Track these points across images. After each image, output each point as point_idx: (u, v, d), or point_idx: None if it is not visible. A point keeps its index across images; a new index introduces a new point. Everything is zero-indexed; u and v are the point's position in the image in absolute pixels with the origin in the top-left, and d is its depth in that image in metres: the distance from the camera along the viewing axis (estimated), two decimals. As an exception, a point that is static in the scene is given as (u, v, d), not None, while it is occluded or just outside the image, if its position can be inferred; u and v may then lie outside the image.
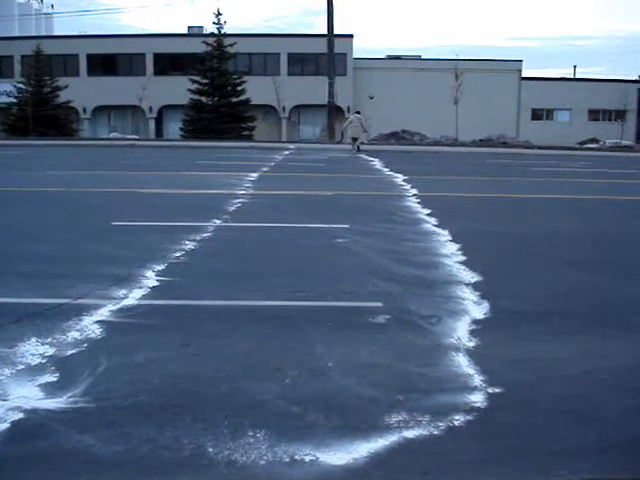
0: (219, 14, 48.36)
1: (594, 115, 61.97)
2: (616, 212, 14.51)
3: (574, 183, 20.47)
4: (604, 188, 19.00)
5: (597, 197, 16.59)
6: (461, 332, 5.77)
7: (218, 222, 11.13)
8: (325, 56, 42.58)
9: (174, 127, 52.82)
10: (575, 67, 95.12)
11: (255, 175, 19.34)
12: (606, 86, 59.66)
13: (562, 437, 3.96)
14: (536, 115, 61.81)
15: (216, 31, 48.85)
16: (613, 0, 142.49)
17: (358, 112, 35.83)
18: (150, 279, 7.32)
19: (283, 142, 45.52)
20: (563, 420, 4.17)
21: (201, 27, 58.34)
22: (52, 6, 78.00)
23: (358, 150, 33.10)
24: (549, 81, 62.43)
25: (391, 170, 22.30)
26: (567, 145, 44.15)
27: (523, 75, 61.04)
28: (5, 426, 3.91)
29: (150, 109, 56.85)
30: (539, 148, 40.29)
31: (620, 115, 57.10)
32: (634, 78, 64.82)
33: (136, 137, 47.33)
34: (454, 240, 9.87)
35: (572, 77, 69.58)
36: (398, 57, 61.64)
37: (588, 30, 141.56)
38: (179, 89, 48.80)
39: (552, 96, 59.50)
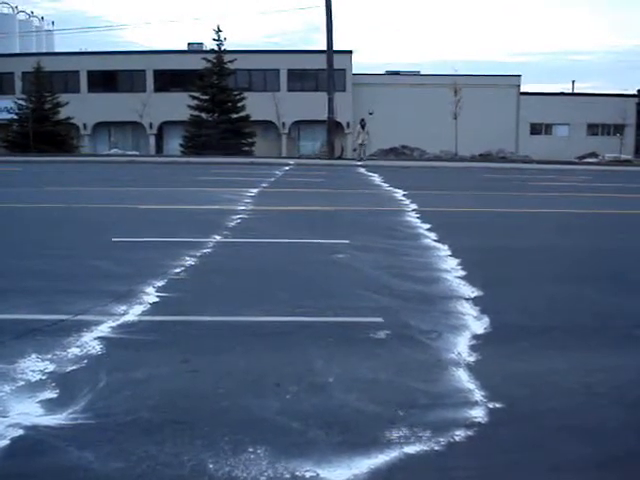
0: (219, 31, 48.58)
1: (593, 130, 62.11)
2: (616, 226, 14.52)
3: (573, 198, 20.49)
4: (604, 202, 19.03)
5: (597, 211, 16.61)
6: (461, 347, 5.77)
7: (218, 238, 11.14)
8: (325, 72, 42.68)
9: (174, 143, 52.93)
10: (574, 82, 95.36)
11: (255, 191, 19.37)
12: (605, 101, 59.82)
13: (562, 452, 3.96)
14: (535, 130, 61.90)
15: (216, 48, 49.06)
16: (612, 15, 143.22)
17: (363, 120, 38.90)
18: (150, 295, 7.33)
19: (283, 158, 45.61)
20: (563, 435, 4.17)
21: (201, 44, 58.58)
22: (53, 23, 78.27)
23: (363, 157, 37.41)
24: (548, 96, 62.57)
25: (390, 185, 22.33)
26: (566, 160, 44.22)
27: (522, 90, 61.31)
28: (5, 443, 3.90)
29: (150, 125, 57.01)
30: (538, 163, 40.35)
31: (619, 129, 57.26)
32: (633, 92, 65.02)
33: (136, 153, 47.45)
34: (454, 255, 9.88)
35: (571, 92, 69.77)
36: (397, 73, 61.90)
37: (587, 45, 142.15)
38: (179, 105, 48.93)
39: (551, 111, 59.62)
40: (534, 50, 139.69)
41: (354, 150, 44.89)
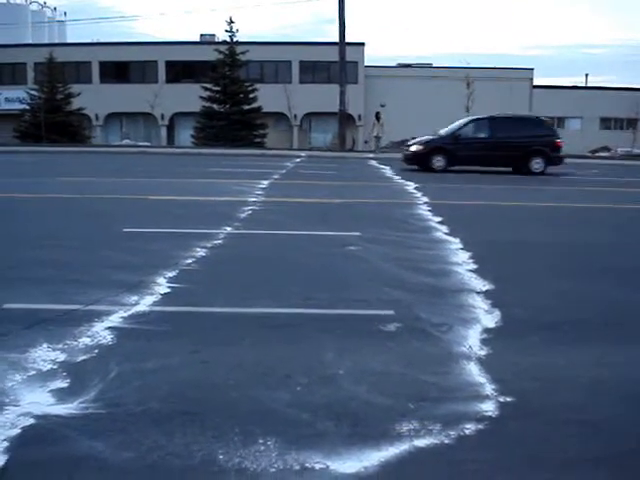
0: (231, 22, 48.59)
1: (606, 123, 61.86)
2: (629, 221, 14.45)
3: (586, 191, 20.40)
4: (616, 196, 18.93)
5: (609, 206, 16.53)
6: (472, 340, 5.75)
7: (229, 229, 11.15)
8: (336, 64, 42.61)
9: (186, 134, 53.03)
10: (587, 75, 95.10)
11: (266, 182, 19.36)
12: (618, 94, 59.56)
13: (573, 446, 3.94)
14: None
15: (228, 39, 49.04)
16: (625, 9, 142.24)
17: (378, 112, 38.96)
18: (161, 286, 7.33)
19: (294, 150, 45.58)
20: (573, 429, 4.15)
21: (213, 35, 58.65)
22: (65, 14, 78.55)
23: (376, 150, 37.87)
24: (560, 89, 62.34)
25: (402, 178, 22.30)
26: (578, 153, 44.00)
27: (534, 83, 61.08)
28: (16, 432, 3.92)
29: (162, 116, 57.11)
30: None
31: (632, 123, 56.95)
32: (646, 86, 64.68)
33: (148, 144, 47.53)
34: (465, 248, 9.85)
35: (584, 85, 69.44)
36: (409, 65, 61.77)
37: (600, 39, 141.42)
38: (191, 96, 49.01)
39: (563, 104, 59.40)
40: (547, 43, 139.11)
41: (365, 142, 45.05)
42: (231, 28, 48.68)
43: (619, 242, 11.42)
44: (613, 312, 6.95)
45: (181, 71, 57.54)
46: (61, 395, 4.43)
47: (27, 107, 49.03)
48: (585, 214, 15.10)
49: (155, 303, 6.69)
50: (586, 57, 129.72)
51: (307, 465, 3.62)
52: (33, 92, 48.70)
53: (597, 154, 47.83)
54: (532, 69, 61.58)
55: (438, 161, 25.63)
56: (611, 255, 10.25)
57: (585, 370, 5.18)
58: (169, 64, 57.70)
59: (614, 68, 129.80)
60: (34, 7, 74.14)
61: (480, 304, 6.91)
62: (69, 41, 67.54)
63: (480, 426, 4.14)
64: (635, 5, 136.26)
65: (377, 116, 38.25)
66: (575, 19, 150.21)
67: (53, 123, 45.53)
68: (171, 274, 7.86)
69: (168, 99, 54.37)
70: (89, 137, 51.82)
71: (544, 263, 9.38)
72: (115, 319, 6.10)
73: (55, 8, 78.42)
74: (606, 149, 51.08)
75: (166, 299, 6.86)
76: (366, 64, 57.53)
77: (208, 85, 48.31)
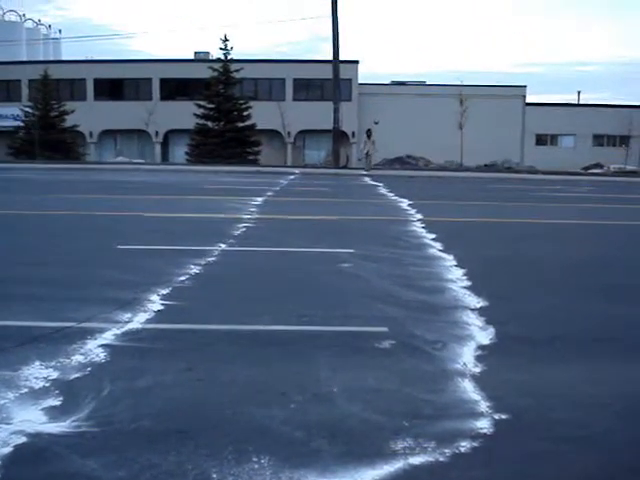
0: (226, 40, 48.74)
1: (598, 140, 62.08)
2: (622, 237, 14.48)
3: (579, 208, 20.45)
4: (609, 213, 18.99)
5: (602, 222, 16.57)
6: (467, 357, 5.74)
7: (223, 246, 11.13)
8: (330, 81, 42.79)
9: (180, 151, 53.08)
10: (579, 92, 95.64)
11: (260, 199, 19.37)
12: (610, 111, 59.82)
13: (568, 464, 3.93)
14: (540, 140, 61.93)
15: (222, 57, 49.20)
16: (618, 26, 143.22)
17: (369, 130, 38.78)
18: (155, 303, 7.31)
19: (288, 167, 45.67)
20: (569, 447, 4.14)
21: (207, 53, 58.83)
22: (60, 31, 78.70)
23: (367, 167, 37.36)
24: (553, 106, 62.58)
25: (396, 195, 22.33)
26: (571, 170, 44.19)
27: (527, 100, 61.35)
28: (8, 450, 3.89)
29: (156, 133, 57.15)
30: (544, 173, 40.37)
31: (624, 140, 57.22)
32: (638, 103, 65.05)
33: (142, 161, 47.53)
34: (459, 265, 9.85)
35: (576, 102, 69.77)
36: (403, 83, 62.00)
37: (593, 56, 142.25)
38: (185, 114, 49.08)
39: (556, 121, 59.65)
40: (540, 61, 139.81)
41: (359, 160, 45.17)
42: (225, 46, 48.86)
43: (612, 258, 11.44)
44: (606, 328, 6.95)
45: (175, 88, 57.63)
46: (54, 413, 4.40)
47: (21, 124, 49.05)
48: (576, 231, 15.13)
49: (148, 320, 6.67)
50: (579, 74, 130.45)
51: (301, 483, 3.60)
52: (27, 109, 48.77)
53: (590, 171, 47.99)
54: (525, 86, 61.82)
55: None
56: (604, 271, 10.26)
57: (580, 386, 5.17)
58: (163, 81, 57.79)
59: (606, 85, 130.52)
60: (29, 24, 74.35)
61: (474, 321, 6.90)
62: (64, 58, 67.59)
63: (475, 444, 4.12)
64: (627, 22, 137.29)
65: (368, 134, 38.05)
66: (568, 37, 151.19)
67: (47, 140, 45.54)
68: (165, 291, 7.83)
69: (162, 116, 54.46)
70: (83, 154, 51.84)
71: (538, 279, 9.38)
72: (108, 336, 6.07)
73: (50, 26, 78.67)
74: (599, 166, 51.27)
75: (160, 316, 6.84)
76: (360, 82, 57.71)
77: (202, 102, 48.43)
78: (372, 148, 37.82)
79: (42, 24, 76.75)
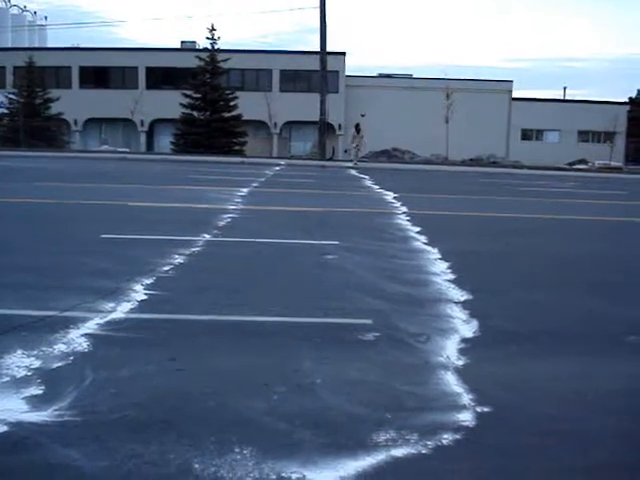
0: (213, 29, 48.59)
1: (583, 136, 62.40)
2: (605, 233, 14.56)
3: (563, 203, 20.54)
4: (593, 209, 19.09)
5: (586, 218, 16.65)
6: (450, 350, 5.76)
7: (208, 237, 11.10)
8: (317, 73, 42.71)
9: (165, 141, 52.91)
10: (565, 89, 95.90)
11: (245, 190, 19.33)
12: (596, 108, 60.07)
13: (550, 457, 3.95)
14: (526, 135, 62.17)
15: (209, 46, 49.02)
16: (605, 23, 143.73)
17: (358, 124, 38.02)
18: (138, 293, 7.28)
19: (274, 158, 45.60)
20: (551, 440, 4.16)
21: (194, 42, 58.59)
22: (45, 18, 78.06)
23: (356, 161, 36.72)
24: (539, 102, 62.85)
25: (381, 187, 22.34)
26: (556, 166, 44.37)
27: (513, 95, 61.58)
28: (-11, 439, 3.86)
29: (142, 122, 56.92)
30: (529, 168, 40.51)
31: (609, 137, 57.49)
32: (624, 100, 65.37)
33: (127, 150, 47.31)
34: (444, 258, 9.87)
35: (562, 98, 70.03)
36: (390, 75, 62.04)
37: (579, 52, 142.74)
38: (171, 103, 48.90)
39: (542, 117, 59.89)
40: (527, 56, 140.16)
41: (345, 151, 45.12)
42: (212, 35, 48.71)
43: (597, 253, 11.49)
44: (592, 323, 6.99)
45: (161, 77, 57.40)
46: (35, 402, 4.37)
47: (6, 111, 48.69)
48: (562, 225, 15.20)
49: (132, 310, 6.64)
50: (565, 70, 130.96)
51: (283, 474, 3.60)
52: (12, 96, 48.39)
53: (575, 167, 48.19)
54: (511, 81, 62.09)
55: None
56: (588, 266, 10.31)
57: (563, 381, 5.20)
58: (149, 70, 57.55)
59: (591, 82, 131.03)
60: (14, 11, 73.72)
61: (458, 314, 6.92)
62: (49, 45, 67.14)
63: (457, 436, 4.13)
64: (614, 20, 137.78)
65: (357, 128, 37.64)
66: (554, 33, 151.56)
67: (32, 128, 45.24)
68: (148, 281, 7.81)
69: (148, 105, 54.24)
70: (68, 142, 51.57)
71: (522, 273, 9.41)
72: (91, 326, 6.04)
73: (35, 12, 78.04)
74: (584, 162, 51.50)
75: (143, 306, 6.82)
76: (347, 74, 57.73)
77: (188, 92, 48.26)
78: (361, 143, 37.50)
79: (28, 11, 76.15)
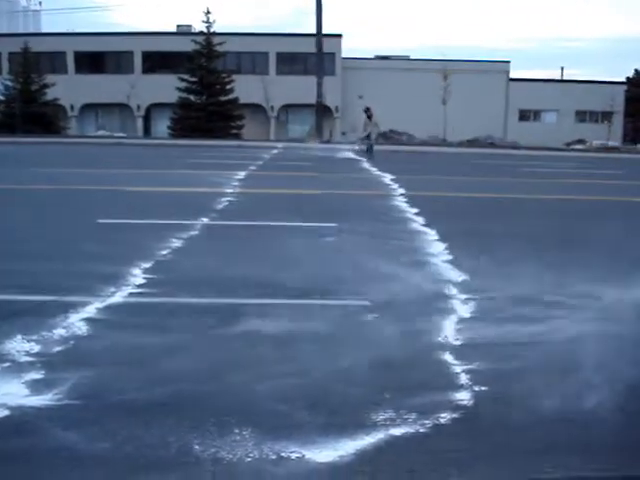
0: (208, 12, 48.47)
1: (581, 116, 62.25)
2: (605, 213, 14.56)
3: (561, 184, 20.55)
4: (591, 189, 19.07)
5: (585, 198, 16.65)
6: (448, 331, 5.78)
7: (206, 220, 11.11)
8: (314, 56, 42.62)
9: (162, 125, 52.78)
10: (563, 69, 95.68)
11: (243, 174, 19.31)
12: (593, 88, 59.91)
13: (549, 435, 3.98)
14: (524, 116, 62.03)
15: (205, 30, 48.83)
16: (601, 3, 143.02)
17: (368, 109, 30.05)
18: (137, 277, 7.30)
19: (271, 141, 45.56)
20: (550, 418, 4.18)
21: (189, 26, 58.32)
22: (40, 3, 77.50)
23: (365, 151, 29.50)
24: (537, 82, 62.62)
25: (379, 170, 22.32)
26: (554, 146, 44.33)
27: (511, 76, 61.37)
28: (-10, 423, 3.89)
29: (138, 107, 56.75)
30: (526, 149, 40.47)
31: (607, 117, 57.46)
32: (621, 80, 65.20)
33: (124, 135, 47.22)
34: (441, 239, 9.89)
35: (560, 79, 69.83)
36: (386, 57, 61.77)
37: (576, 32, 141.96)
38: (167, 87, 48.76)
39: (540, 97, 59.71)
40: (525, 36, 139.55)
41: (342, 134, 44.81)
42: (208, 19, 48.60)
43: (598, 233, 11.48)
44: (592, 301, 6.98)
45: (157, 62, 57.16)
46: (36, 386, 4.39)
47: (1, 97, 48.52)
48: (560, 206, 15.20)
49: (131, 294, 6.66)
50: (563, 51, 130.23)
51: (283, 454, 3.62)
52: (7, 82, 48.20)
53: (573, 147, 48.16)
54: (509, 62, 61.87)
55: None
56: (589, 245, 10.30)
57: (563, 360, 5.21)
58: (145, 55, 57.31)
59: (589, 62, 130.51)
60: (8, -4, 73.27)
61: (456, 294, 6.94)
62: (44, 31, 66.79)
63: (455, 415, 4.16)
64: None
65: (368, 113, 29.63)
66: (550, 13, 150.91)
67: (28, 114, 45.09)
68: (147, 265, 7.82)
69: (144, 90, 54.05)
70: (64, 128, 51.38)
71: (520, 253, 9.40)
72: (91, 310, 6.06)
73: (30, -3, 77.50)
74: (582, 142, 51.45)
75: (142, 290, 6.83)
76: (343, 56, 57.48)
77: (185, 76, 48.14)
78: (374, 130, 29.91)
79: (22, -4, 75.63)
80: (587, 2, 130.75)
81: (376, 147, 29.70)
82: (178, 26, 60.95)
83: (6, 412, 4.02)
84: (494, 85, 58.97)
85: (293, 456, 3.62)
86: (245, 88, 49.36)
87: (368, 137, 29.71)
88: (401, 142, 44.80)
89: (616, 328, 5.97)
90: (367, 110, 29.80)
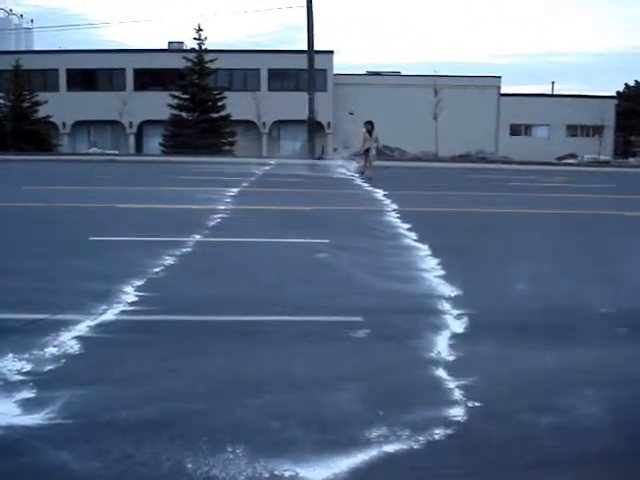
0: (200, 30, 48.56)
1: (572, 131, 62.52)
2: (598, 226, 14.59)
3: (552, 198, 20.60)
4: (582, 203, 19.12)
5: (576, 212, 16.69)
6: (441, 346, 5.78)
7: (198, 237, 11.10)
8: (305, 72, 42.72)
9: (154, 142, 52.75)
10: (553, 83, 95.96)
11: (235, 190, 19.30)
12: (584, 102, 60.19)
13: (541, 450, 3.97)
14: (515, 131, 62.26)
15: (197, 47, 48.96)
16: (592, 18, 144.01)
17: (370, 123, 26.95)
18: (129, 294, 7.28)
19: (263, 157, 45.58)
20: (542, 434, 4.18)
21: (181, 42, 58.43)
22: (32, 21, 77.45)
23: (365, 171, 26.50)
24: (527, 97, 62.93)
25: (371, 185, 22.34)
26: (545, 161, 44.46)
27: (502, 91, 61.64)
28: (-19, 443, 3.86)
29: (130, 124, 56.75)
30: (518, 163, 40.56)
31: (598, 131, 57.67)
32: (612, 94, 65.55)
33: (116, 152, 47.20)
34: (434, 255, 9.89)
35: (550, 93, 70.17)
36: (378, 73, 62.01)
37: (567, 47, 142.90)
38: (159, 104, 48.79)
39: (531, 112, 59.96)
40: (515, 52, 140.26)
41: (334, 150, 44.79)
42: (199, 36, 48.69)
43: (588, 248, 11.52)
44: (583, 316, 7.00)
45: (149, 79, 57.23)
46: (27, 405, 4.37)
47: (-7, 115, 48.47)
48: (551, 220, 15.22)
49: (123, 312, 6.64)
50: (553, 65, 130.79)
51: (276, 472, 3.61)
52: (0, 100, 48.17)
53: (564, 161, 48.32)
54: (500, 77, 62.15)
55: None
56: (581, 260, 10.33)
57: (554, 374, 5.22)
58: (137, 72, 57.38)
59: (579, 76, 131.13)
60: (0, 14, 73.36)
61: (449, 310, 6.94)
62: (36, 48, 66.81)
63: (449, 431, 4.15)
64: (601, 14, 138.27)
65: (368, 128, 26.71)
66: (542, 28, 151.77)
67: (20, 131, 45.01)
68: (139, 283, 7.80)
69: (136, 107, 54.03)
70: (56, 145, 51.34)
71: (512, 268, 9.42)
72: (82, 328, 6.04)
73: (22, 15, 77.53)
74: (573, 156, 51.63)
75: (134, 308, 6.81)
76: (335, 72, 57.65)
77: (177, 93, 48.19)
78: (374, 146, 26.99)
79: (14, 14, 75.65)
80: (575, 17, 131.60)
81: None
82: (170, 43, 61.06)
83: (-3, 432, 3.99)
84: (485, 100, 59.21)
85: (287, 474, 3.60)
86: (237, 104, 49.44)
87: (367, 152, 26.76)
88: (393, 158, 44.87)
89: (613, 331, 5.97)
90: (368, 123, 26.82)
